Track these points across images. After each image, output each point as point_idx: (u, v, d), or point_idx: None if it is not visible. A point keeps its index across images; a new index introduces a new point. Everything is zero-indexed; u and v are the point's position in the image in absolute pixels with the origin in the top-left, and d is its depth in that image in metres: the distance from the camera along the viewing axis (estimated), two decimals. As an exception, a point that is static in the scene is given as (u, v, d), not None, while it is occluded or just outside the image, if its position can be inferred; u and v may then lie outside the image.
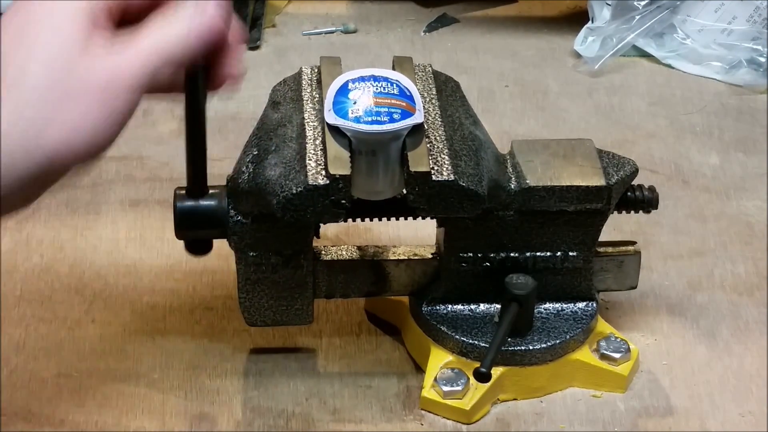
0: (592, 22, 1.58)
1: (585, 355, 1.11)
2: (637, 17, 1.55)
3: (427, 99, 1.08)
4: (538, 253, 1.10)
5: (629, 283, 1.16)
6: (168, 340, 1.15)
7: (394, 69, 1.08)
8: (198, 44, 0.84)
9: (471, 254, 1.10)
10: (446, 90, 1.10)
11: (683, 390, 1.12)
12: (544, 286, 1.10)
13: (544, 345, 1.09)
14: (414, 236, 1.20)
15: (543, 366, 1.10)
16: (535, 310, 1.11)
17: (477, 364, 1.05)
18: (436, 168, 1.01)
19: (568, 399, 1.11)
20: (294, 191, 1.00)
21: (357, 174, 1.01)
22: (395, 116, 1.00)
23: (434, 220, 1.10)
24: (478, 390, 1.08)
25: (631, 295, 1.18)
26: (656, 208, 1.13)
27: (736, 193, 1.35)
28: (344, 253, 1.12)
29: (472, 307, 1.12)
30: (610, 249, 1.14)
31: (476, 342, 1.09)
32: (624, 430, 1.08)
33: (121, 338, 1.15)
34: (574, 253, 1.11)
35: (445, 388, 1.07)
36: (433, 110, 1.07)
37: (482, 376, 1.04)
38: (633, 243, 1.15)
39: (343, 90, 1.02)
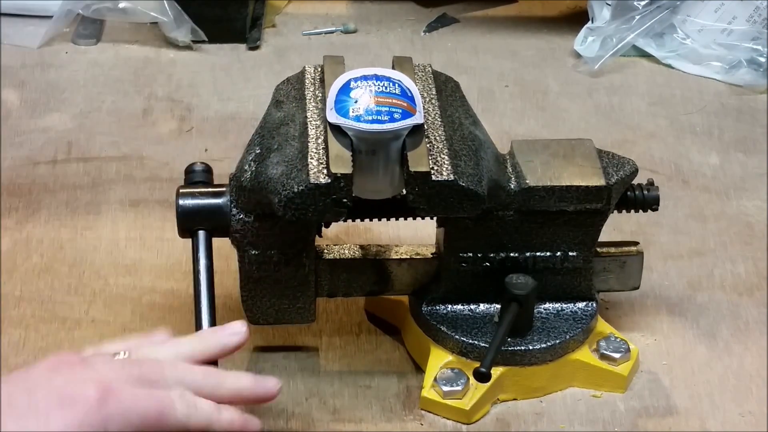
0: (592, 22, 1.58)
1: (585, 355, 1.11)
2: (637, 17, 1.55)
3: (427, 99, 1.08)
4: (538, 253, 1.10)
5: (632, 283, 1.16)
6: (168, 340, 1.15)
7: (394, 69, 1.08)
8: None
9: (471, 254, 1.10)
10: (446, 90, 1.10)
11: (683, 390, 1.12)
12: (544, 286, 1.10)
13: (544, 345, 1.09)
14: (414, 236, 1.20)
15: (543, 366, 1.10)
16: (535, 310, 1.11)
17: (477, 364, 1.05)
18: (435, 168, 1.01)
19: (568, 399, 1.11)
20: (296, 190, 1.00)
21: (357, 173, 1.01)
22: (396, 116, 1.00)
23: (434, 220, 1.10)
24: (478, 390, 1.08)
25: (631, 295, 1.18)
26: (657, 205, 1.12)
27: (736, 193, 1.35)
28: (347, 252, 1.12)
29: (472, 307, 1.12)
30: (612, 249, 1.14)
31: (476, 342, 1.09)
32: (624, 430, 1.08)
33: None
34: (574, 253, 1.11)
35: (445, 388, 1.07)
36: (433, 110, 1.07)
37: (482, 376, 1.04)
38: (635, 243, 1.15)
39: (345, 89, 1.02)
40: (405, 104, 1.01)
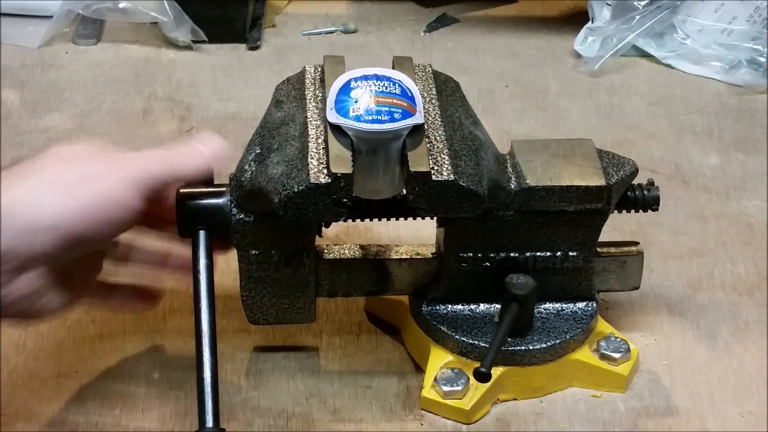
0: (592, 22, 1.58)
1: (585, 355, 1.11)
2: (637, 17, 1.55)
3: (427, 99, 1.08)
4: (538, 253, 1.10)
5: (632, 283, 1.16)
6: (168, 340, 1.15)
7: (394, 69, 1.08)
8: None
9: (471, 254, 1.10)
10: (446, 90, 1.10)
11: (683, 390, 1.12)
12: (544, 286, 1.10)
13: (544, 345, 1.09)
14: (414, 236, 1.20)
15: (543, 366, 1.10)
16: (535, 310, 1.11)
17: (477, 364, 1.05)
18: (436, 168, 1.01)
19: (568, 399, 1.11)
20: (296, 189, 1.00)
21: (357, 173, 1.01)
22: (396, 116, 1.00)
23: (434, 220, 1.10)
24: (478, 390, 1.08)
25: (631, 295, 1.18)
26: (657, 205, 1.12)
27: (736, 193, 1.35)
28: (347, 252, 1.12)
29: (472, 307, 1.12)
30: (612, 249, 1.14)
31: (476, 342, 1.09)
32: (624, 430, 1.08)
33: (121, 338, 1.15)
34: (574, 253, 1.11)
35: (445, 388, 1.07)
36: (433, 110, 1.07)
37: (482, 376, 1.04)
38: (636, 243, 1.15)
39: (346, 89, 1.02)
40: (405, 104, 1.01)
